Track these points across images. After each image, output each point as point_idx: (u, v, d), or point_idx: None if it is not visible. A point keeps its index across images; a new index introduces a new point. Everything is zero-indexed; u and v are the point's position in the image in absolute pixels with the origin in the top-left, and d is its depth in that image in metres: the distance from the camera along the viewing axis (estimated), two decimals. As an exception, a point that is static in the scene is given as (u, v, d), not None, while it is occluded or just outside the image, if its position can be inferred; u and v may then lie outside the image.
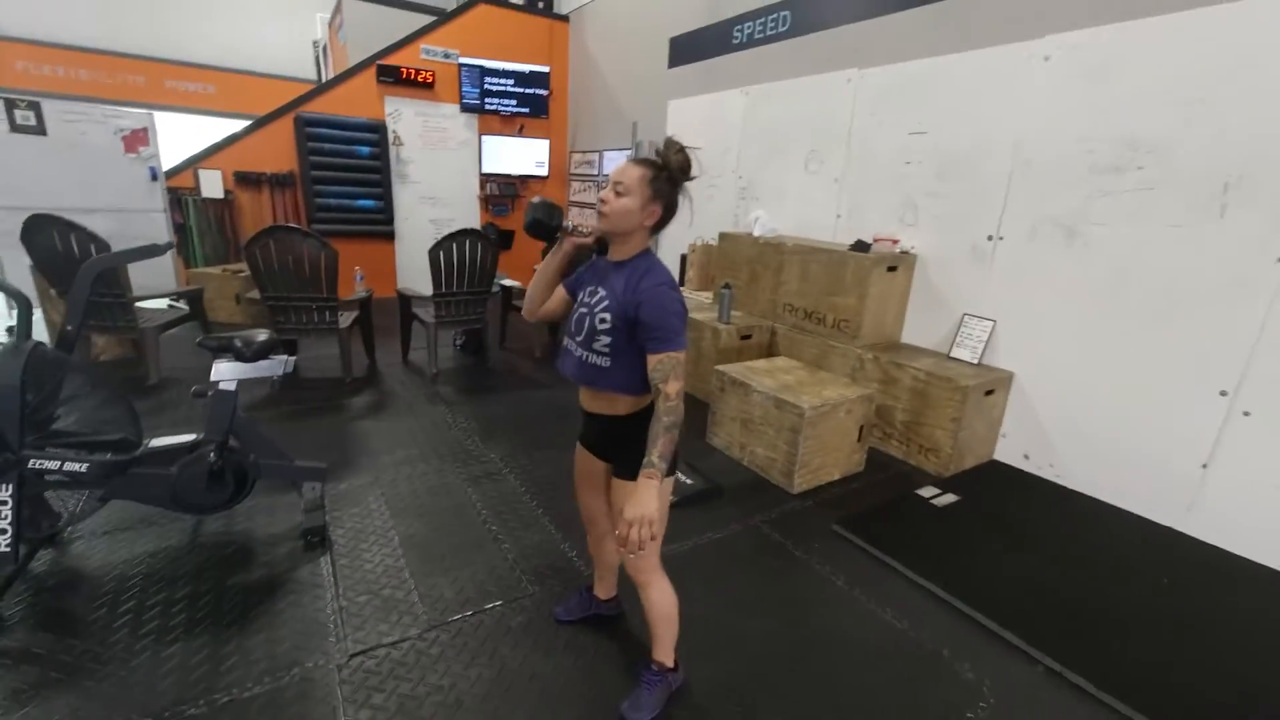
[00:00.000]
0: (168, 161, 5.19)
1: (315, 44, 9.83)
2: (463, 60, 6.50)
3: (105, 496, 2.00)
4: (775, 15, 4.33)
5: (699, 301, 4.55)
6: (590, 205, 6.96)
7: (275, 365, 2.15)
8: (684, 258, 5.12)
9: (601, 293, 1.40)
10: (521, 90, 6.85)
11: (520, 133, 7.01)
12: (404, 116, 6.41)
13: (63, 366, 1.94)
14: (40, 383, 1.85)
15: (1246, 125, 2.28)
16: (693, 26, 5.12)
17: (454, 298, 4.15)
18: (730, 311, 3.95)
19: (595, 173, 6.80)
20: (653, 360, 1.28)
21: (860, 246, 3.50)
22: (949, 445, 3.00)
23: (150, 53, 9.20)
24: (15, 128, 4.31)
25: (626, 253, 1.41)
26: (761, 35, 4.47)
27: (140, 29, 9.09)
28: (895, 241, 3.51)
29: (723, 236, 4.45)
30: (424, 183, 6.70)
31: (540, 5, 6.98)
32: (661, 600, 1.54)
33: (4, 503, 1.77)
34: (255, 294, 3.86)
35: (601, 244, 1.45)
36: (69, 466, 1.84)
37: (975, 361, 3.19)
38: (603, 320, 1.37)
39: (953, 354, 3.30)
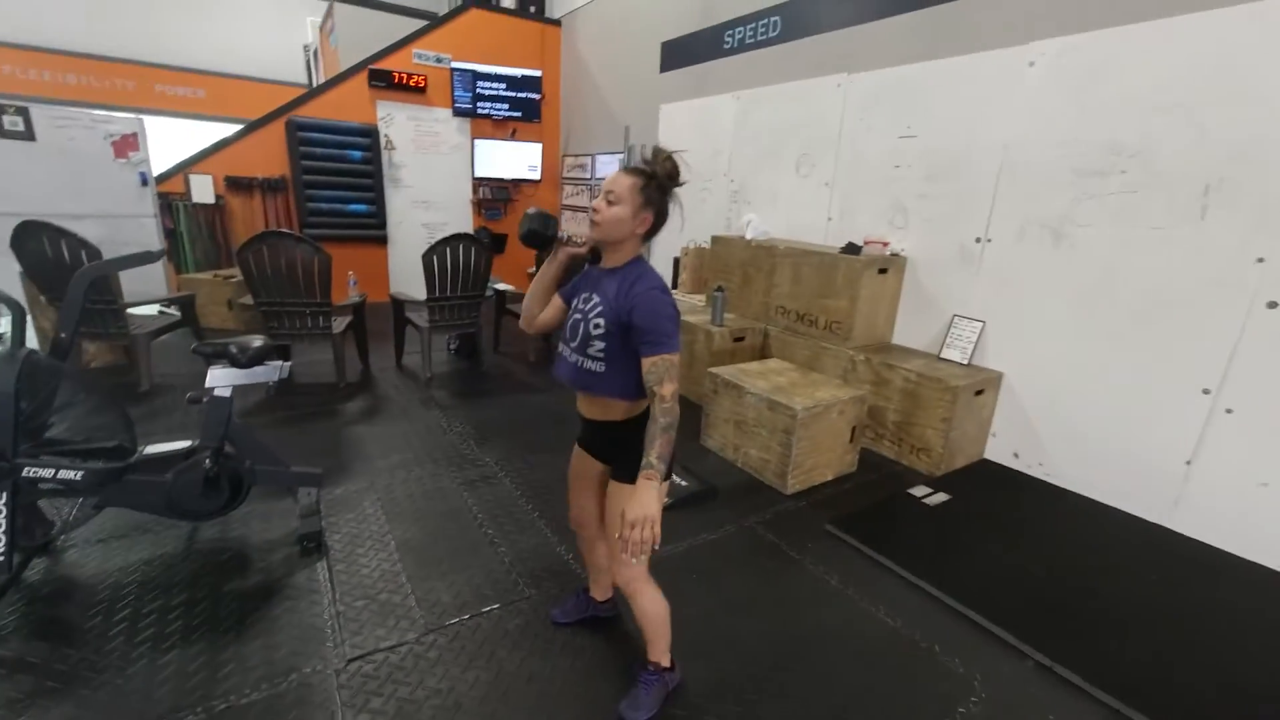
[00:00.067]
0: (158, 166, 5.17)
1: (306, 48, 9.82)
2: (455, 65, 6.51)
3: (100, 504, 2.00)
4: (766, 20, 4.37)
5: (692, 304, 4.58)
6: (583, 209, 6.98)
7: (270, 371, 2.15)
8: (677, 261, 5.15)
9: (595, 299, 1.42)
10: (514, 94, 6.86)
11: (513, 137, 7.03)
12: (396, 121, 6.41)
13: (56, 374, 1.94)
14: (34, 391, 1.85)
15: (1225, 129, 2.33)
16: (684, 31, 5.15)
17: (448, 302, 4.15)
18: (723, 314, 3.98)
19: (588, 176, 6.82)
20: (647, 363, 1.30)
21: (851, 249, 3.54)
22: (940, 445, 3.04)
23: (140, 57, 9.15)
24: (4, 133, 4.28)
25: (619, 260, 1.43)
26: (753, 40, 4.51)
27: (129, 33, 9.04)
28: (885, 244, 3.55)
29: (715, 240, 4.48)
30: (416, 187, 6.70)
31: (532, 10, 7.01)
32: (651, 608, 1.55)
33: (-2, 511, 1.77)
34: (248, 299, 3.85)
35: (595, 252, 1.47)
36: (63, 474, 1.84)
37: (965, 362, 3.24)
38: (597, 326, 1.39)
39: (943, 355, 3.34)
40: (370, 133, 6.25)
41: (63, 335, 1.97)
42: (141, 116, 4.97)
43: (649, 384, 1.28)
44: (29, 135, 4.37)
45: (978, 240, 3.20)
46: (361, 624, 1.89)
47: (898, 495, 2.85)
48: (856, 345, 3.49)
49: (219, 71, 9.73)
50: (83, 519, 2.12)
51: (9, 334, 3.70)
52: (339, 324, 3.98)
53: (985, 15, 3.10)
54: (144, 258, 2.14)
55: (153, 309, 4.48)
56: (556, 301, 1.58)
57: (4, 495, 1.75)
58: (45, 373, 1.89)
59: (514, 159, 7.06)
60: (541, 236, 1.48)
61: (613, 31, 6.22)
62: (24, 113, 4.35)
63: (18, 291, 3.73)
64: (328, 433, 3.30)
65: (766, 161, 4.47)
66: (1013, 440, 3.16)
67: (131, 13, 9.02)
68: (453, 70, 6.52)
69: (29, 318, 3.36)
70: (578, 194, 7.10)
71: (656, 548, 1.17)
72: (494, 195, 7.14)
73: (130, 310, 3.81)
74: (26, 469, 1.79)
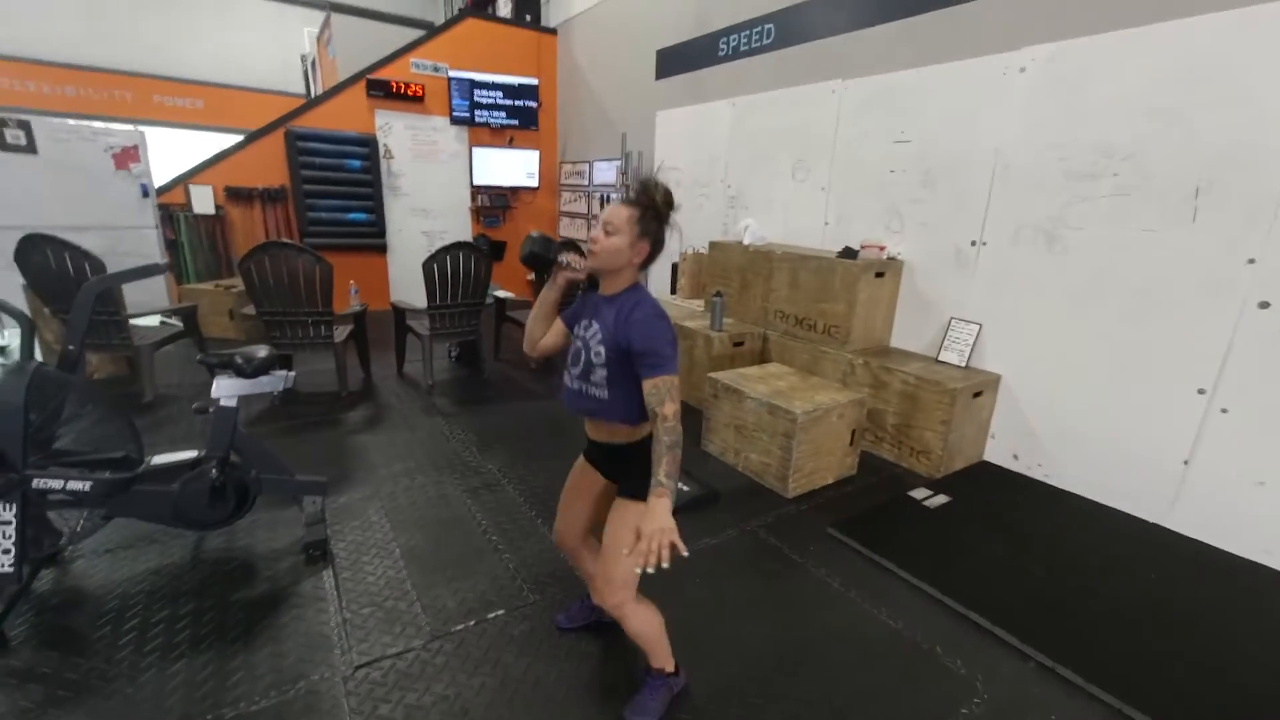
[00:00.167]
0: (157, 178, 5.20)
1: (304, 58, 9.87)
2: (452, 73, 6.56)
3: (108, 514, 2.02)
4: (760, 28, 4.41)
5: (691, 310, 4.61)
6: (581, 215, 7.02)
7: (276, 381, 2.17)
8: (675, 266, 5.18)
9: (595, 326, 1.46)
10: (511, 102, 6.91)
11: (510, 144, 7.07)
12: (394, 130, 6.45)
13: (65, 386, 1.96)
14: (43, 403, 1.87)
15: (1213, 132, 2.37)
16: (680, 39, 5.20)
17: (448, 310, 4.18)
18: (722, 319, 4.01)
19: (585, 183, 6.87)
20: (647, 385, 1.33)
21: (848, 253, 3.57)
22: (939, 447, 3.06)
23: (137, 68, 9.20)
24: (5, 146, 4.30)
25: (617, 287, 1.47)
26: (747, 47, 4.55)
27: (128, 44, 9.09)
28: (882, 248, 3.58)
29: (713, 245, 4.52)
30: (415, 195, 6.74)
31: (528, 19, 7.06)
32: (644, 628, 1.57)
33: (8, 522, 1.78)
34: (250, 309, 3.87)
35: (593, 277, 1.51)
36: (72, 485, 1.86)
37: (963, 364, 3.26)
38: (598, 354, 1.43)
39: (941, 357, 3.37)
40: (369, 142, 6.29)
41: (70, 347, 1.99)
42: (142, 129, 5.00)
43: (650, 405, 1.31)
44: (30, 148, 4.40)
45: (973, 243, 3.23)
46: (368, 631, 1.90)
47: (898, 498, 2.88)
48: (855, 349, 3.52)
49: (217, 82, 9.77)
50: (90, 529, 2.12)
51: (11, 346, 3.72)
52: (340, 333, 4.00)
53: (976, 22, 3.14)
54: (149, 270, 2.16)
55: (154, 320, 4.49)
56: (559, 326, 1.62)
57: (14, 506, 1.77)
58: (54, 385, 1.91)
59: (512, 166, 7.10)
60: (542, 259, 1.51)
61: (608, 39, 6.27)
62: (25, 126, 4.38)
63: (21, 304, 3.75)
64: (331, 441, 3.31)
65: (763, 167, 4.50)
66: (1012, 442, 3.19)
67: (129, 24, 9.07)
68: (450, 79, 6.56)
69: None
70: (575, 200, 7.14)
71: (684, 554, 1.19)
72: (492, 202, 7.18)
73: (132, 321, 3.83)
74: (36, 480, 1.81)
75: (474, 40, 6.66)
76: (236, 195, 5.86)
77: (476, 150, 6.88)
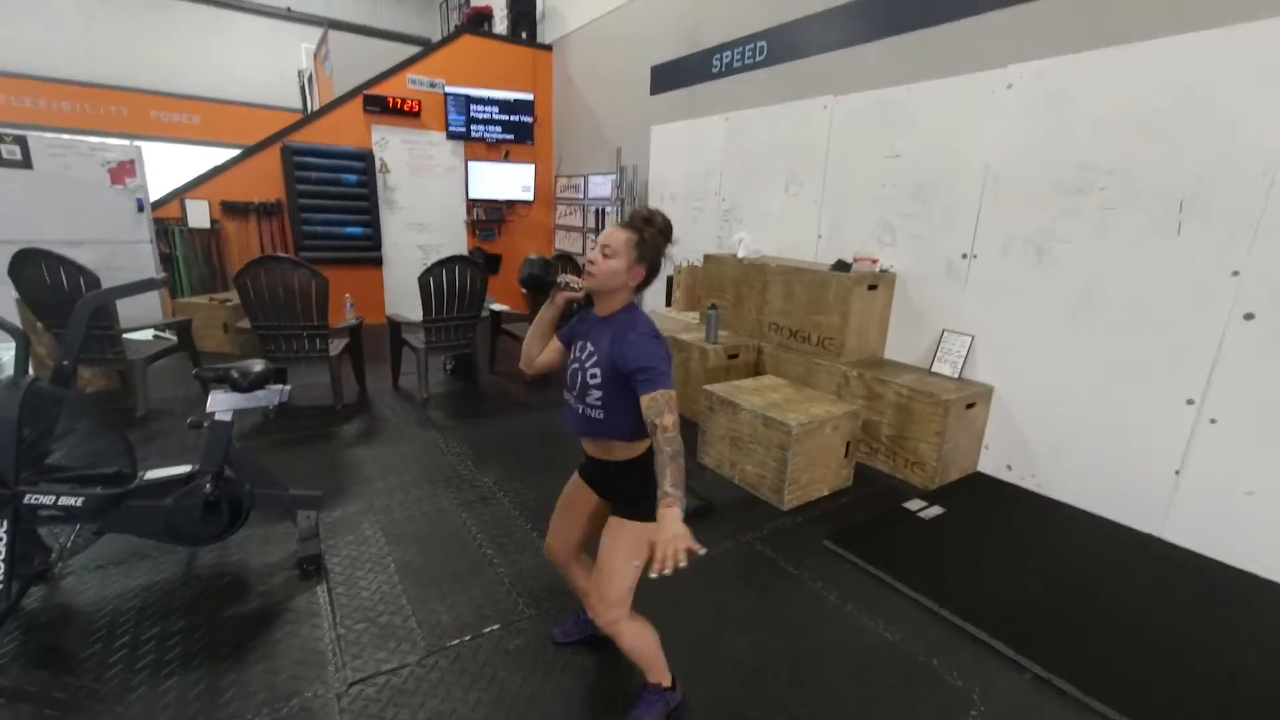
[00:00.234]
0: (153, 192, 5.21)
1: (300, 74, 9.95)
2: (448, 89, 6.62)
3: (100, 530, 2.00)
4: (752, 45, 4.49)
5: (686, 322, 4.63)
6: (575, 228, 7.06)
7: (271, 395, 2.17)
8: (670, 279, 5.21)
9: (590, 348, 1.48)
10: (506, 117, 6.98)
11: (506, 158, 7.12)
12: (391, 144, 6.49)
13: (58, 401, 1.95)
14: (37, 418, 1.86)
15: (1197, 148, 2.42)
16: (673, 56, 5.28)
17: (444, 323, 4.18)
18: (717, 331, 4.03)
19: (580, 196, 6.92)
20: (645, 400, 1.34)
21: (841, 266, 3.61)
22: (934, 459, 3.07)
23: (134, 83, 9.25)
24: (1, 162, 4.31)
25: (612, 307, 1.49)
26: (740, 64, 4.62)
27: (124, 60, 9.15)
28: (875, 261, 3.62)
29: (708, 258, 4.55)
30: (411, 209, 6.77)
31: (524, 35, 7.14)
32: (637, 643, 1.57)
33: (-2, 539, 1.77)
34: (245, 323, 3.87)
35: (590, 297, 1.54)
36: (64, 501, 1.85)
37: (956, 376, 3.29)
38: (593, 376, 1.45)
39: (934, 369, 3.39)
40: (365, 156, 6.33)
41: (65, 362, 1.99)
42: (139, 144, 5.02)
43: (649, 418, 1.31)
44: (26, 163, 4.41)
45: (964, 256, 3.27)
46: (362, 647, 1.89)
47: (893, 509, 2.88)
48: (849, 361, 3.54)
49: (214, 97, 9.84)
50: (81, 545, 2.11)
51: (3, 360, 3.70)
52: (336, 346, 4.00)
53: (964, 40, 3.21)
54: (146, 285, 2.16)
55: (148, 334, 4.48)
56: (555, 344, 1.64)
57: (4, 523, 1.76)
58: (48, 400, 1.90)
59: (507, 180, 7.15)
60: (541, 281, 1.54)
61: (603, 56, 6.35)
62: (21, 141, 4.39)
63: (14, 319, 3.74)
64: (325, 455, 3.30)
65: (756, 181, 4.56)
66: (1005, 453, 3.21)
67: (126, 39, 9.13)
68: (446, 94, 6.62)
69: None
70: (571, 214, 7.18)
71: (701, 552, 1.20)
72: (488, 216, 7.22)
73: (126, 335, 3.81)
74: (28, 496, 1.79)
75: (470, 57, 6.74)
76: (232, 209, 5.87)
77: (472, 164, 6.93)
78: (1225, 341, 2.41)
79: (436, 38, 8.78)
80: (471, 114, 6.77)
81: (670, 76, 5.36)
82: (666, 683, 1.64)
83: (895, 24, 3.53)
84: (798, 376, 3.72)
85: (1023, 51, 2.95)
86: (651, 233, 1.46)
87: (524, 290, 1.60)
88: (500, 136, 6.99)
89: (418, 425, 3.78)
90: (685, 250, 5.07)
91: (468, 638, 1.95)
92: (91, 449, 2.04)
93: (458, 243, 7.10)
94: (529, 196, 7.30)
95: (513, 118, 7.01)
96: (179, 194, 5.66)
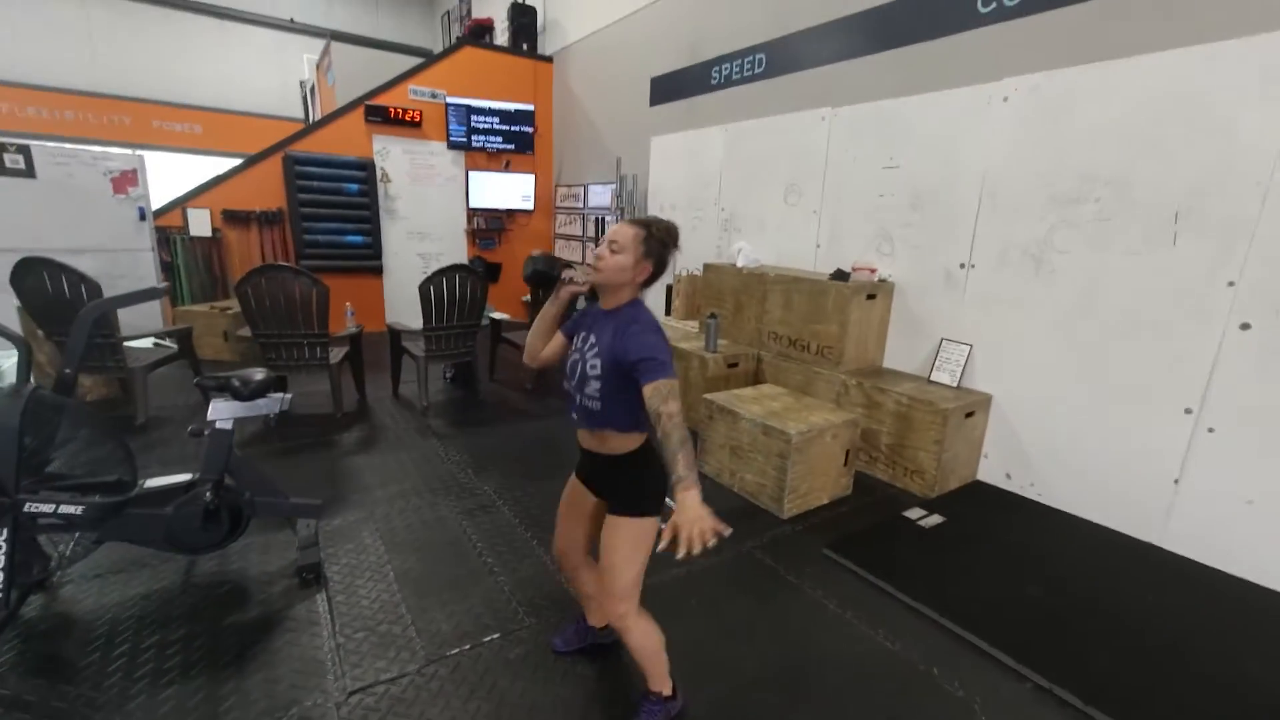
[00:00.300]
0: (155, 201, 5.23)
1: (302, 84, 10.02)
2: (450, 100, 6.67)
3: (100, 538, 2.00)
4: (751, 58, 4.54)
5: (685, 331, 4.65)
6: (575, 237, 7.09)
7: (272, 403, 2.17)
8: (670, 288, 5.23)
9: (593, 339, 1.49)
10: (507, 128, 7.03)
11: (506, 168, 7.17)
12: (392, 154, 6.53)
13: (60, 409, 1.95)
14: (39, 426, 1.87)
15: (1191, 160, 2.45)
16: (673, 68, 5.33)
17: (444, 331, 4.19)
18: (717, 340, 4.04)
19: (580, 205, 6.95)
20: (648, 389, 1.34)
21: (840, 275, 3.63)
22: (933, 467, 3.08)
23: (137, 93, 9.30)
24: (4, 171, 4.33)
25: (617, 302, 1.51)
26: (739, 76, 4.67)
27: (127, 70, 9.21)
28: (873, 270, 3.65)
29: (707, 267, 4.57)
30: (412, 218, 6.80)
31: (524, 47, 7.21)
32: (644, 641, 1.57)
33: (-2, 547, 1.77)
34: (245, 331, 3.88)
35: (594, 291, 1.55)
36: (64, 509, 1.85)
37: (955, 385, 3.30)
38: (593, 366, 1.46)
39: (933, 378, 3.41)
40: (366, 166, 6.37)
41: (67, 371, 1.99)
42: (141, 153, 5.05)
43: (653, 407, 1.31)
44: (29, 173, 4.43)
45: (962, 266, 3.30)
46: (362, 655, 1.88)
47: (893, 518, 2.88)
48: (848, 369, 3.55)
49: (216, 107, 9.89)
50: (81, 553, 2.11)
51: (4, 368, 3.70)
52: (336, 354, 4.01)
53: (960, 53, 3.25)
54: (148, 294, 2.18)
55: (148, 341, 4.49)
56: (559, 338, 1.66)
57: (5, 531, 1.76)
58: (49, 409, 1.91)
59: (508, 190, 7.19)
60: (546, 276, 1.56)
61: (603, 67, 6.41)
62: (24, 151, 4.42)
63: (16, 327, 3.75)
64: (325, 463, 3.30)
65: (755, 191, 4.59)
66: (1004, 461, 3.21)
67: (128, 50, 9.20)
68: (447, 105, 6.68)
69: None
70: (571, 223, 7.22)
71: (725, 533, 1.21)
72: (488, 225, 7.25)
73: (126, 343, 3.82)
74: (28, 504, 1.79)
75: (471, 68, 6.80)
76: (234, 218, 5.90)
77: (473, 174, 6.97)
78: (1222, 351, 2.43)
79: (438, 49, 8.86)
80: (472, 124, 6.82)
81: (670, 88, 5.41)
82: (667, 691, 1.64)
83: (892, 38, 3.57)
84: (797, 385, 3.73)
85: (1019, 65, 2.98)
86: (659, 229, 1.47)
87: (529, 285, 1.61)
88: (501, 146, 7.04)
89: (418, 433, 3.79)
90: (685, 259, 5.09)
91: (467, 647, 1.94)
92: (92, 457, 2.04)
93: (458, 251, 7.12)
94: (529, 206, 7.34)
95: (513, 128, 7.06)
96: (181, 203, 5.68)
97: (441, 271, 4.05)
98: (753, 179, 4.60)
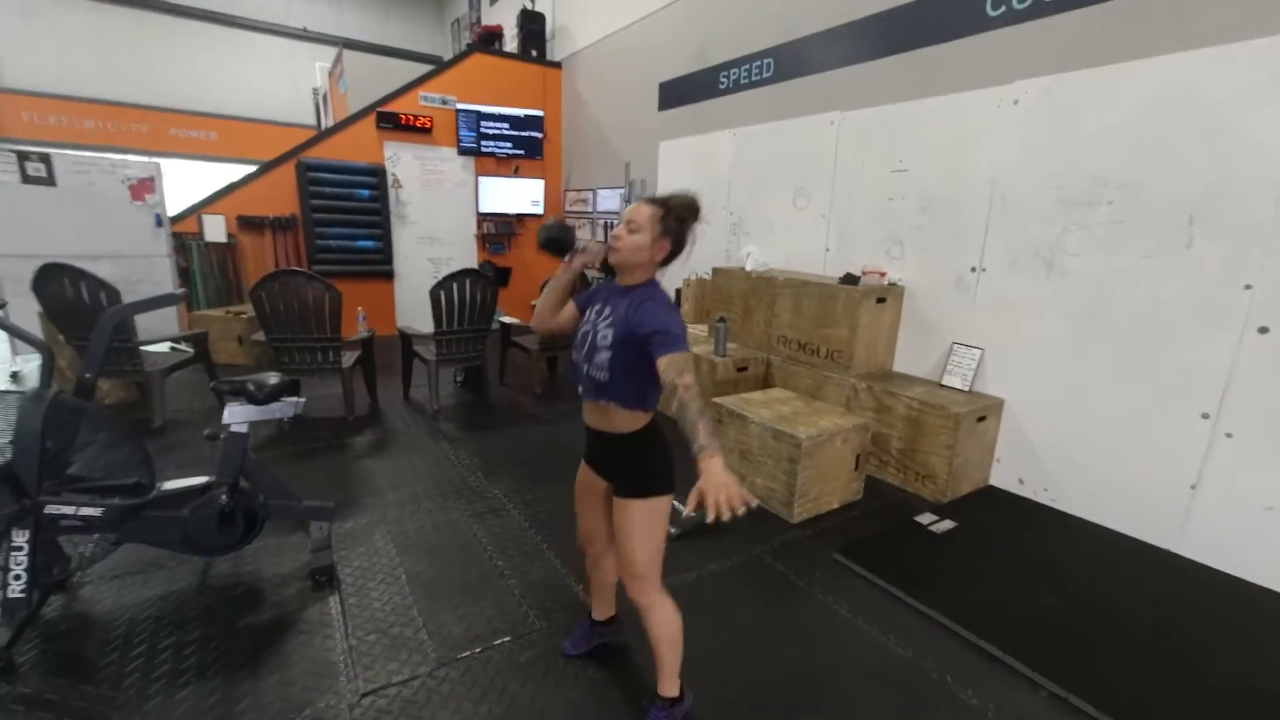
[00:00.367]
0: (172, 207, 5.32)
1: (315, 91, 10.15)
2: (460, 106, 6.74)
3: (119, 540, 2.03)
4: (759, 62, 4.55)
5: (695, 335, 4.65)
6: (585, 241, 7.12)
7: (286, 407, 2.20)
8: (679, 292, 5.24)
9: (607, 311, 1.50)
10: (517, 133, 7.08)
11: (516, 173, 7.22)
12: (403, 160, 6.60)
13: (80, 413, 1.99)
14: (60, 430, 1.90)
15: (1205, 162, 2.43)
16: (681, 73, 5.35)
17: (454, 335, 4.23)
18: (726, 344, 4.04)
19: (590, 210, 6.99)
20: (663, 362, 1.32)
21: (849, 279, 3.62)
22: (945, 472, 3.06)
23: (154, 102, 9.48)
24: (26, 179, 4.43)
25: (633, 280, 1.52)
26: (747, 81, 4.68)
27: (145, 79, 9.38)
28: (883, 274, 3.63)
29: (716, 271, 4.58)
30: (422, 223, 6.86)
31: (534, 53, 7.27)
32: (666, 624, 1.58)
33: (19, 548, 1.80)
34: (260, 335, 3.93)
35: (607, 265, 1.55)
36: (84, 511, 1.88)
37: (966, 389, 3.28)
38: (604, 337, 1.46)
39: (944, 382, 3.39)
40: (378, 172, 6.44)
41: (87, 375, 2.03)
42: (159, 160, 5.15)
43: (669, 379, 1.29)
44: (50, 180, 4.53)
45: (973, 269, 3.28)
46: (374, 658, 1.90)
47: (904, 523, 2.87)
48: (858, 373, 3.54)
49: (231, 115, 10.06)
50: (100, 555, 2.14)
51: (24, 372, 3.76)
52: (348, 358, 4.05)
53: (969, 57, 3.24)
54: (166, 300, 2.22)
55: (164, 346, 4.55)
56: (571, 308, 1.67)
57: (27, 532, 1.79)
58: (70, 412, 1.95)
59: (517, 194, 7.25)
60: (561, 243, 1.56)
61: (612, 73, 6.45)
62: (46, 159, 4.51)
63: (37, 332, 3.82)
64: (337, 466, 3.33)
65: (764, 195, 4.59)
66: (1017, 466, 3.19)
67: (146, 60, 9.38)
68: (458, 111, 6.74)
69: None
70: (580, 227, 7.25)
71: (753, 504, 1.18)
72: (498, 230, 7.30)
73: (143, 348, 3.88)
74: (49, 506, 1.83)
75: (481, 74, 6.86)
76: (248, 224, 5.98)
77: (483, 179, 7.03)
78: (1240, 355, 2.40)
79: (448, 56, 8.94)
80: (482, 130, 6.88)
81: (678, 93, 5.43)
82: (675, 692, 1.64)
83: (901, 42, 3.57)
84: (807, 389, 3.72)
85: (1029, 68, 2.97)
86: (677, 205, 1.47)
87: (542, 251, 1.61)
88: (510, 152, 7.10)
89: (428, 437, 3.81)
90: (693, 264, 5.08)
91: (478, 650, 1.95)
92: (111, 460, 2.08)
93: (468, 256, 7.18)
94: (539, 210, 7.39)
95: (523, 133, 7.11)
96: (196, 209, 5.77)
97: (452, 276, 4.08)
98: (761, 183, 4.61)
